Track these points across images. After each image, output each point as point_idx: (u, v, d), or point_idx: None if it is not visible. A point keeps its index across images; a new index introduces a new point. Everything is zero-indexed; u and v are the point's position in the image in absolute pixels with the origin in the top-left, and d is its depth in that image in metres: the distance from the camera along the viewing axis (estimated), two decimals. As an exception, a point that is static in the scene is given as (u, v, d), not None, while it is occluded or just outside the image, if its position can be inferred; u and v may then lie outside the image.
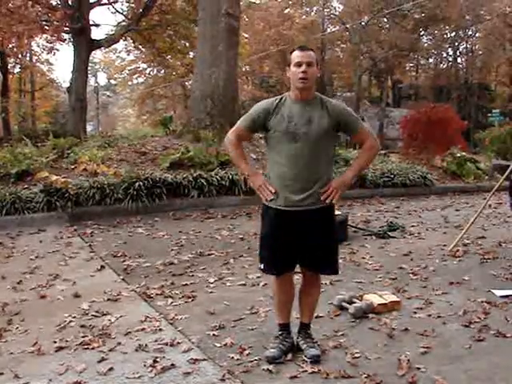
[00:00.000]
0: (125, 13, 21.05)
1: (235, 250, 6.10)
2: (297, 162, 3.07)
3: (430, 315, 3.95)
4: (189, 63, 22.73)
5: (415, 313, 4.01)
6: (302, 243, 3.15)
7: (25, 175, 8.75)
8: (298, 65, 3.07)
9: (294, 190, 3.10)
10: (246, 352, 3.31)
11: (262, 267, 3.28)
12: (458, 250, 5.92)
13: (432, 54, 45.03)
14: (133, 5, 20.32)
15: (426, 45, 43.45)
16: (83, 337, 3.60)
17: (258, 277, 4.83)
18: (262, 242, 3.28)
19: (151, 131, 15.41)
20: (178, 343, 3.47)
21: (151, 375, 3.04)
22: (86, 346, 3.46)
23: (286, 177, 3.11)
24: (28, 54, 28.59)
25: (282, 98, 3.20)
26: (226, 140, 3.35)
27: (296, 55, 3.10)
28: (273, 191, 3.14)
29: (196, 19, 14.83)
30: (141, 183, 8.36)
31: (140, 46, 24.42)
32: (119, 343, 3.50)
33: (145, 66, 38.65)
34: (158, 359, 3.21)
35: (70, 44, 18.95)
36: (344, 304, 4.05)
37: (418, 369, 3.07)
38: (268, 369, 3.08)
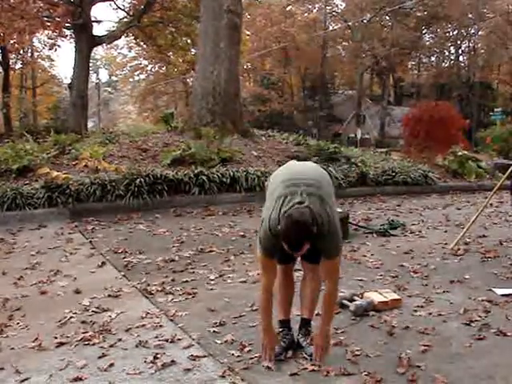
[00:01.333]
0: (126, 9, 21.05)
1: (236, 247, 6.10)
2: None
3: (430, 313, 3.95)
4: (190, 60, 22.73)
5: (416, 311, 4.01)
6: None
7: (26, 171, 8.76)
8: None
9: None
10: (247, 349, 3.31)
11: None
12: (459, 249, 5.92)
13: (434, 52, 45.05)
14: (134, 1, 20.33)
15: (428, 43, 43.49)
16: (84, 333, 3.60)
17: (259, 274, 4.82)
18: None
19: (152, 128, 15.42)
20: (179, 340, 3.47)
21: (151, 371, 3.05)
22: (86, 342, 3.46)
23: None
24: (29, 50, 28.59)
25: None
26: (262, 292, 3.16)
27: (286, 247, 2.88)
28: (271, 359, 3.11)
29: (198, 16, 14.83)
30: (142, 180, 8.36)
31: (141, 43, 24.44)
32: (120, 339, 3.50)
33: (146, 62, 38.73)
34: (158, 355, 3.22)
35: (72, 40, 18.98)
36: (345, 302, 4.05)
37: (419, 367, 3.07)
38: (268, 366, 3.09)
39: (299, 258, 3.32)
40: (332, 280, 3.13)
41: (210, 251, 5.94)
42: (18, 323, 3.84)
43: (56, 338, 3.53)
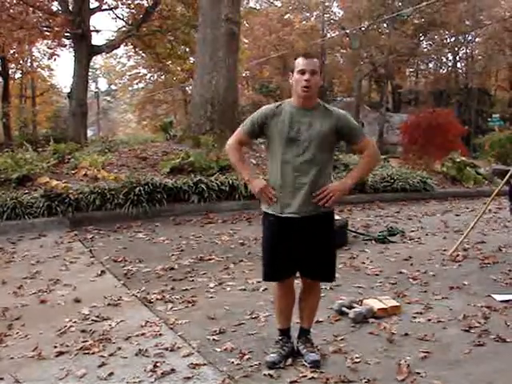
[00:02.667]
0: (125, 18, 21.11)
1: (235, 255, 6.11)
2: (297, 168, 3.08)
3: (429, 320, 3.95)
4: (189, 69, 22.78)
5: (415, 317, 4.01)
6: (300, 250, 3.15)
7: (25, 180, 8.76)
8: (302, 72, 3.06)
9: (292, 197, 3.10)
10: (246, 357, 3.32)
11: (263, 277, 3.30)
12: (457, 255, 5.93)
13: (432, 59, 45.14)
14: (133, 10, 20.38)
15: (425, 50, 43.57)
16: (83, 341, 3.60)
17: (259, 282, 4.83)
18: (263, 248, 3.29)
19: (151, 136, 15.44)
20: (179, 348, 3.48)
21: (151, 380, 3.05)
22: (86, 351, 3.46)
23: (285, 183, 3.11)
24: (29, 60, 28.65)
25: (282, 104, 3.20)
26: (227, 146, 3.34)
27: (300, 62, 3.08)
28: (273, 195, 3.13)
29: (196, 25, 14.88)
30: (141, 188, 8.37)
31: (140, 52, 24.48)
32: (119, 348, 3.50)
33: (145, 71, 38.76)
34: (158, 364, 3.22)
35: (71, 49, 19.01)
36: (344, 309, 4.06)
37: (418, 373, 3.07)
38: (268, 374, 3.09)
39: (299, 273, 3.31)
40: (371, 147, 3.27)
41: (210, 259, 5.95)
42: (18, 332, 3.85)
43: (56, 347, 3.54)
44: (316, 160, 3.08)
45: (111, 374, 3.13)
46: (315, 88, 3.10)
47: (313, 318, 3.42)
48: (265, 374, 3.09)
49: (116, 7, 20.35)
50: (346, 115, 3.22)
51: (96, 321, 4.04)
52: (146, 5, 19.64)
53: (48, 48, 18.73)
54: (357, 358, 3.29)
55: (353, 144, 3.29)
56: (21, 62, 24.53)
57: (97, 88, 53.59)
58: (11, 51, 19.17)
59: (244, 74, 40.03)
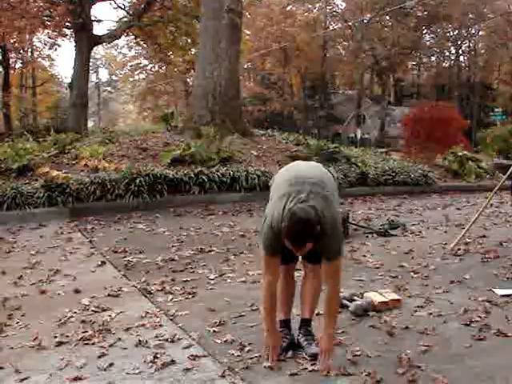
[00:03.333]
0: (127, 8, 21.01)
1: (236, 247, 6.10)
2: None
3: (430, 314, 3.94)
4: (190, 60, 22.70)
5: (416, 311, 4.00)
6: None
7: (26, 170, 8.76)
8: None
9: None
10: (247, 348, 3.31)
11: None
12: (459, 249, 5.92)
13: (434, 52, 45.04)
14: (135, 0, 20.29)
15: (428, 43, 43.47)
16: (83, 332, 3.59)
17: (259, 274, 4.81)
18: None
19: (152, 127, 15.41)
20: (179, 339, 3.47)
21: (151, 371, 3.04)
22: (86, 342, 3.46)
23: None
24: (29, 50, 28.55)
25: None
26: (264, 286, 3.13)
27: (288, 244, 2.88)
28: (273, 360, 3.09)
29: (198, 15, 14.82)
30: (142, 179, 8.36)
31: (142, 42, 24.39)
32: (119, 339, 3.50)
33: (146, 62, 38.68)
34: (158, 355, 3.21)
35: (72, 39, 18.95)
36: (344, 302, 4.04)
37: (419, 367, 3.06)
38: (268, 366, 3.08)
39: (300, 258, 3.31)
40: (334, 283, 3.08)
41: (210, 251, 5.94)
42: (18, 322, 3.84)
43: (56, 337, 3.53)
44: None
45: (111, 364, 3.12)
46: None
47: (314, 308, 3.40)
48: (265, 366, 3.08)
49: (117, -3, 20.28)
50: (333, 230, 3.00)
51: (96, 311, 4.03)
52: (148, -5, 19.55)
53: (49, 38, 18.70)
54: (357, 350, 3.28)
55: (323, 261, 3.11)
56: (21, 51, 24.43)
57: (98, 78, 53.58)
58: (12, 40, 19.09)
59: (246, 66, 39.93)
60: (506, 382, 2.93)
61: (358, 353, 3.25)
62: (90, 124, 29.59)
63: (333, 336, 3.13)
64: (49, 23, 17.31)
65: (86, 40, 17.69)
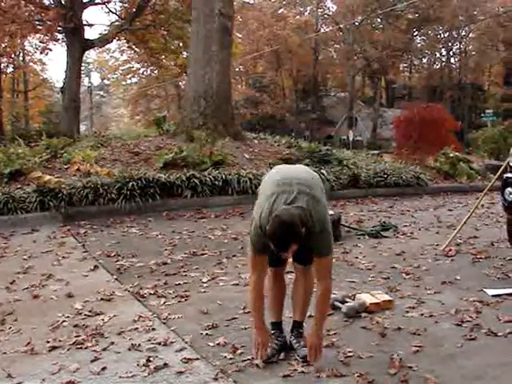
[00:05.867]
0: (118, 13, 21.03)
1: (228, 250, 6.10)
2: None
3: (422, 314, 3.97)
4: (182, 63, 22.72)
5: (407, 312, 4.03)
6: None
7: (18, 175, 8.72)
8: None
9: None
10: (239, 351, 3.32)
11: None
12: (450, 250, 5.95)
13: (425, 54, 45.26)
14: (126, 5, 20.31)
15: (419, 45, 43.69)
16: (76, 336, 3.60)
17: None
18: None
19: (145, 131, 15.40)
20: (171, 343, 3.48)
21: (144, 374, 3.05)
22: (79, 346, 3.46)
23: None
24: (21, 54, 28.50)
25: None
26: (250, 285, 3.19)
27: (273, 248, 2.89)
28: (263, 357, 3.11)
29: (189, 19, 14.83)
30: (134, 183, 8.35)
31: (133, 46, 24.38)
32: (112, 343, 3.50)
33: (138, 65, 38.65)
34: (151, 359, 3.22)
35: (64, 44, 18.93)
36: (337, 303, 4.06)
37: (410, 367, 3.08)
38: (259, 365, 3.10)
39: (291, 260, 3.33)
40: (325, 279, 3.11)
41: (203, 254, 5.94)
42: (10, 327, 3.83)
43: (48, 341, 3.53)
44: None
45: (104, 368, 3.13)
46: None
47: (305, 310, 3.42)
48: (257, 365, 3.10)
49: (109, 1, 20.31)
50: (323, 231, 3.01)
51: (89, 315, 4.03)
52: (139, -1, 19.59)
53: (40, 42, 18.68)
54: (349, 352, 3.29)
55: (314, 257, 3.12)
56: (13, 56, 24.40)
57: (90, 83, 53.45)
58: (3, 45, 19.05)
59: (237, 69, 39.96)
60: (496, 381, 2.96)
61: (350, 354, 3.27)
62: (83, 128, 29.53)
63: (321, 334, 3.15)
64: (40, 27, 17.30)
65: (78, 44, 17.69)
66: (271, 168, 3.50)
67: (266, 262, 3.16)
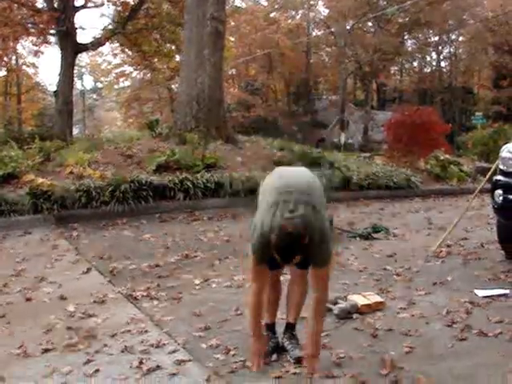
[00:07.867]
0: (111, 16, 21.02)
1: (221, 252, 6.12)
2: None
3: (413, 315, 4.00)
4: (175, 67, 22.71)
5: (399, 313, 4.06)
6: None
7: (11, 178, 8.70)
8: None
9: None
10: (232, 353, 3.34)
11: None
12: (441, 251, 5.99)
13: (416, 57, 45.43)
14: (119, 8, 20.28)
15: (410, 49, 43.82)
16: (69, 339, 3.60)
17: (244, 278, 4.85)
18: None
19: (137, 134, 15.37)
20: (164, 344, 3.49)
21: (137, 376, 3.06)
22: (72, 348, 3.46)
23: None
24: (14, 57, 28.37)
25: None
26: (251, 293, 3.15)
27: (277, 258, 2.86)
28: (259, 366, 3.11)
29: (182, 23, 14.86)
30: (127, 186, 8.35)
31: (126, 49, 24.34)
32: (105, 345, 3.51)
33: (131, 69, 38.51)
34: (143, 360, 3.23)
35: (56, 47, 18.89)
36: (328, 305, 4.08)
37: (402, 368, 3.11)
38: (254, 370, 3.11)
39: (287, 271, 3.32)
40: (321, 289, 3.09)
41: (195, 256, 5.96)
42: (3, 330, 3.83)
43: (41, 344, 3.53)
44: None
45: (97, 370, 3.14)
46: None
47: (299, 311, 3.42)
48: (252, 370, 3.11)
49: (101, 5, 20.24)
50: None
51: (82, 318, 4.04)
52: (132, 3, 19.57)
53: (33, 45, 18.61)
54: (341, 353, 3.31)
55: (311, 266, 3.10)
56: (5, 59, 24.28)
57: (82, 86, 53.20)
58: (-5, 48, 18.96)
59: (230, 72, 39.98)
60: (487, 381, 2.99)
61: (342, 355, 3.29)
62: (76, 131, 29.42)
63: (319, 343, 3.14)
64: (33, 31, 17.25)
65: (71, 47, 17.65)
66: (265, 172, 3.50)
67: (267, 272, 3.14)
